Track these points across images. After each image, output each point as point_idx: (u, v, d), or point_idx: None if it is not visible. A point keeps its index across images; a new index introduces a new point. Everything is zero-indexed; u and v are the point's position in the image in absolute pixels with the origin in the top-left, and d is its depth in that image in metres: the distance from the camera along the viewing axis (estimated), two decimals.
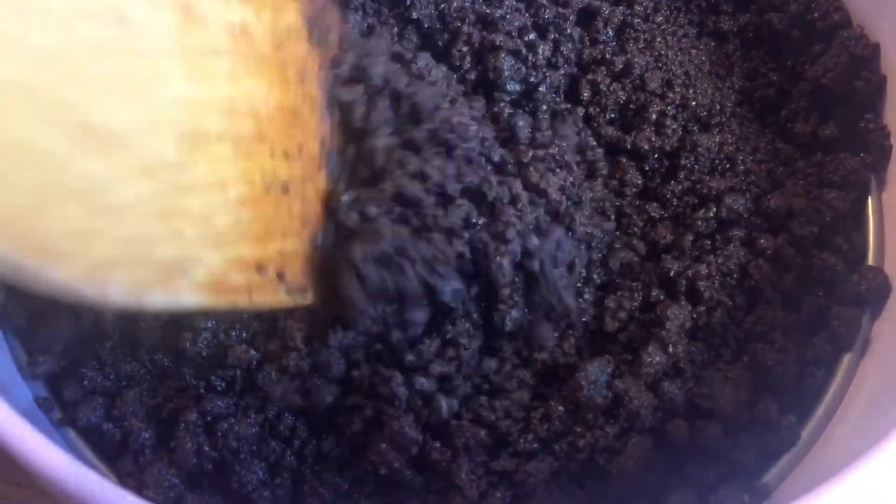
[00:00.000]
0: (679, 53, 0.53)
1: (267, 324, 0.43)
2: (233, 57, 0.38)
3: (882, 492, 0.44)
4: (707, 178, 0.48)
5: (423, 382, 0.41)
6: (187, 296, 0.35)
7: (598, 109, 0.50)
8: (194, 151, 0.35)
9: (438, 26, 0.51)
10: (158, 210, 0.34)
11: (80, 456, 0.41)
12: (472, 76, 0.50)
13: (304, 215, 0.41)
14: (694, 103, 0.51)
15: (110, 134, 0.32)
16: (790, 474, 0.41)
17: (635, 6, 0.54)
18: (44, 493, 0.35)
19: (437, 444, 0.41)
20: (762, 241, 0.46)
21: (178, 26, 0.35)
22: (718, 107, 0.51)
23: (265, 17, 0.40)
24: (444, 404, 0.41)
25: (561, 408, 0.41)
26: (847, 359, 0.43)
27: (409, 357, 0.41)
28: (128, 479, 0.40)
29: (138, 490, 0.39)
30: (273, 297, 0.39)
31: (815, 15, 0.52)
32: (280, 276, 0.39)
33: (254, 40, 0.39)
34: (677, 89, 0.51)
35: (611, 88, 0.51)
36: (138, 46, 0.34)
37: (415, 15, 0.51)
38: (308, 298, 0.41)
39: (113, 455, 0.41)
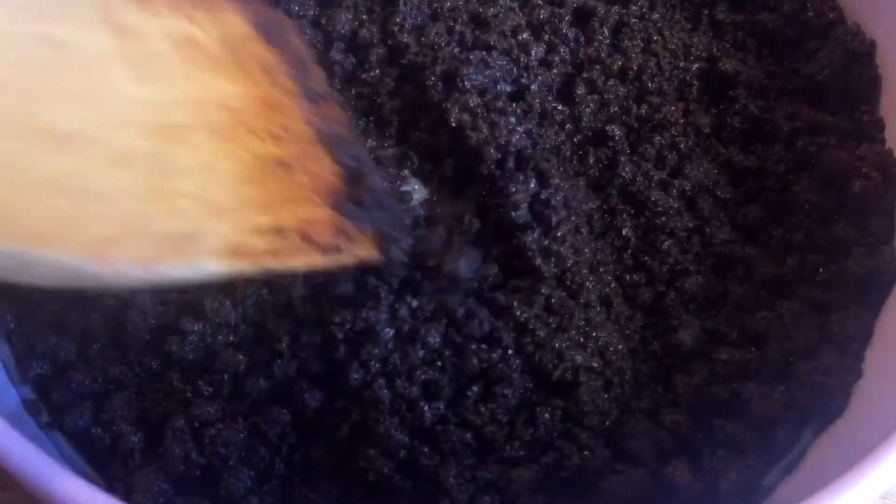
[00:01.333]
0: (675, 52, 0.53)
1: (254, 328, 0.43)
2: (182, 60, 0.41)
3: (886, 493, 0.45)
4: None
5: (405, 386, 0.41)
6: (205, 262, 0.36)
7: (591, 108, 0.50)
8: (168, 141, 0.38)
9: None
10: (147, 193, 0.36)
11: (68, 460, 0.41)
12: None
13: (313, 186, 0.41)
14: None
15: (70, 133, 0.35)
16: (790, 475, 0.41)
17: (631, 6, 0.54)
18: (33, 497, 0.35)
19: (425, 449, 0.41)
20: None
21: (113, 41, 0.39)
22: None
23: (204, 25, 0.43)
24: (428, 411, 0.41)
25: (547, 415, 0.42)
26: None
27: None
28: (116, 484, 0.40)
29: (127, 495, 0.39)
30: (306, 258, 0.39)
31: (810, 14, 0.53)
32: (306, 238, 0.39)
33: (199, 45, 0.42)
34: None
35: (607, 85, 0.51)
36: (78, 61, 0.37)
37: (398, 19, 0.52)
38: (345, 257, 0.41)
39: (101, 459, 0.42)
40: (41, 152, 0.34)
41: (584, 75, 0.51)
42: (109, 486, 0.40)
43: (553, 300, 0.44)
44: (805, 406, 0.41)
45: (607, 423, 0.42)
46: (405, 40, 0.52)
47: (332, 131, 0.44)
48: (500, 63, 0.50)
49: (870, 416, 0.39)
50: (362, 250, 0.41)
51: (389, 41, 0.52)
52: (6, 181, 0.32)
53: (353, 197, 0.42)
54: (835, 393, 0.41)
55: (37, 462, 0.34)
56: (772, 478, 0.41)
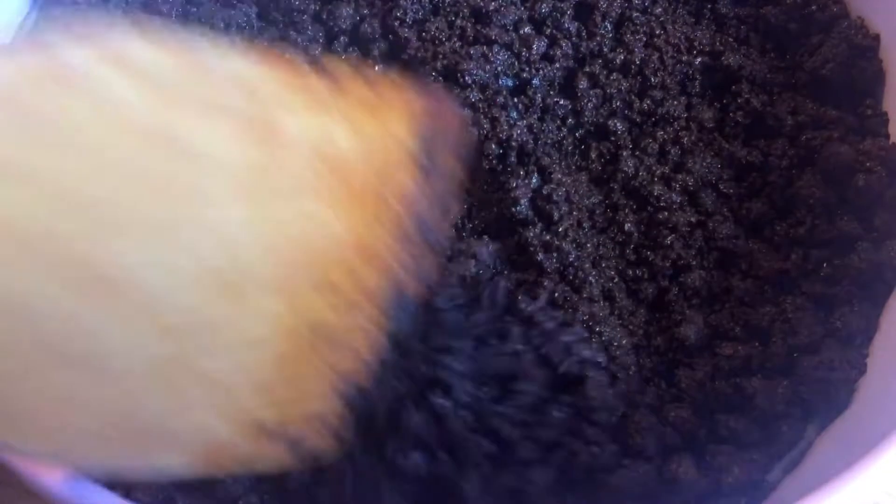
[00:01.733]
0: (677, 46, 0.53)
1: None
2: (312, 191, 0.31)
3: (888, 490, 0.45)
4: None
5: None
6: (172, 467, 0.30)
7: (594, 103, 0.50)
8: (233, 306, 0.29)
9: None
10: (169, 376, 0.29)
11: None
12: None
13: (341, 370, 0.34)
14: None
15: (135, 290, 0.27)
16: (790, 474, 0.41)
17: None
18: (31, 493, 0.35)
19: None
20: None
21: (252, 159, 0.29)
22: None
23: (365, 140, 0.33)
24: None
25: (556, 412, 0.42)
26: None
27: None
28: (116, 480, 0.40)
29: (127, 492, 0.39)
30: (280, 462, 0.33)
31: (814, 8, 0.53)
32: (295, 442, 0.33)
33: (344, 168, 0.32)
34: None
35: (609, 80, 0.51)
36: (197, 186, 0.28)
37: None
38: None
39: None
40: (88, 310, 0.26)
41: (587, 69, 0.51)
42: (110, 483, 0.40)
43: (556, 294, 0.44)
44: (809, 401, 0.41)
45: (613, 418, 0.42)
46: (406, 35, 0.52)
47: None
48: (501, 58, 0.50)
49: (874, 412, 0.39)
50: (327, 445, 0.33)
51: (390, 36, 0.52)
52: (17, 346, 0.26)
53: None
54: (839, 388, 0.41)
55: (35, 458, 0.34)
56: (776, 473, 0.41)
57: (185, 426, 0.30)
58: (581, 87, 0.51)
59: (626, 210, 0.48)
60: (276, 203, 0.30)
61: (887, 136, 0.48)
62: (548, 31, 0.52)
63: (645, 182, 0.48)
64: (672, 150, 0.49)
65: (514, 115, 0.49)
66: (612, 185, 0.48)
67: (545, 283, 0.44)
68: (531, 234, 0.45)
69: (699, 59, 0.52)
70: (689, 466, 0.40)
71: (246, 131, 0.29)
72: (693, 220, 0.47)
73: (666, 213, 0.47)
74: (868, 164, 0.45)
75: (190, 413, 0.29)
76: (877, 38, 0.50)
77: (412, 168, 0.35)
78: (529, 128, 0.49)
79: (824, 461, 0.39)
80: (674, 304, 0.45)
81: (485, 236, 0.47)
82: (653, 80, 0.51)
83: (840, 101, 0.50)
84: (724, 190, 0.48)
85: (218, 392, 0.30)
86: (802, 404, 0.41)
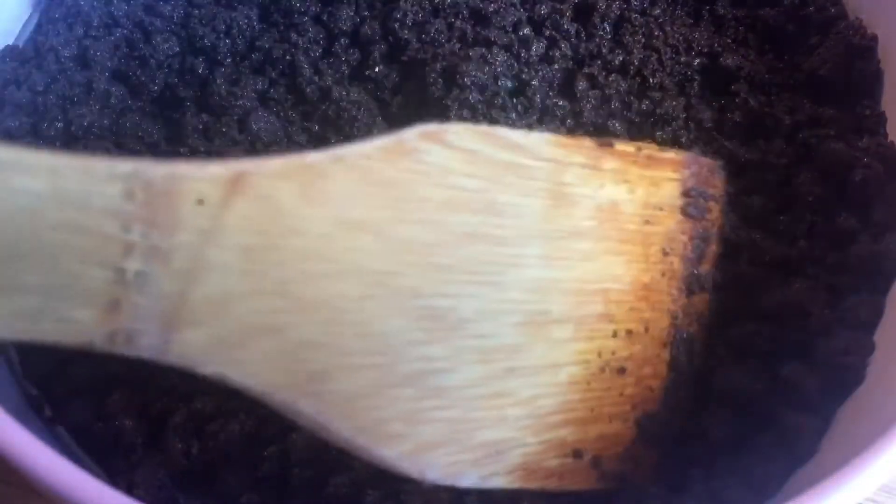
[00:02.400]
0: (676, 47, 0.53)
1: None
2: (594, 237, 0.38)
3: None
4: None
5: None
6: (498, 478, 0.35)
7: (592, 104, 0.51)
8: (533, 334, 0.36)
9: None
10: (486, 393, 0.34)
11: (71, 454, 0.42)
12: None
13: (634, 396, 0.39)
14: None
15: (457, 319, 0.33)
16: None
17: (632, 1, 0.55)
18: (34, 491, 0.35)
19: None
20: None
21: (545, 211, 0.36)
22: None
23: (639, 193, 0.40)
24: None
25: None
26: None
27: None
28: (118, 478, 0.41)
29: (129, 489, 0.40)
30: (584, 482, 0.38)
31: (811, 8, 0.53)
32: (595, 462, 0.38)
33: (620, 218, 0.39)
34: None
35: (608, 81, 0.52)
36: (502, 235, 0.35)
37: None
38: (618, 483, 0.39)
39: (104, 454, 0.42)
40: (424, 338, 0.33)
41: (585, 71, 0.52)
42: (112, 480, 0.41)
43: None
44: (826, 380, 0.41)
45: None
46: (406, 36, 0.52)
47: (687, 328, 0.42)
48: (500, 59, 0.51)
49: (884, 391, 0.40)
50: (640, 478, 0.39)
51: (390, 38, 0.53)
52: (378, 368, 0.32)
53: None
54: (853, 369, 0.41)
55: (39, 455, 0.34)
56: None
57: (505, 439, 0.35)
58: (580, 88, 0.51)
59: None
60: (561, 243, 0.36)
61: (885, 135, 0.48)
62: (547, 33, 0.53)
63: None
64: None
65: (514, 116, 0.50)
66: None
67: None
68: None
69: (697, 60, 0.53)
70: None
71: (543, 195, 0.36)
72: None
73: None
74: (866, 161, 0.46)
75: (506, 426, 0.35)
76: (874, 38, 0.51)
77: (681, 217, 0.41)
78: (529, 129, 0.49)
79: (845, 434, 0.40)
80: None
81: None
82: (651, 81, 0.52)
83: (838, 101, 0.50)
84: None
85: (525, 407, 0.35)
86: (821, 382, 0.41)
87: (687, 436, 0.41)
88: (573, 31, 0.53)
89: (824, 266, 0.44)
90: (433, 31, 0.52)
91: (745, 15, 0.55)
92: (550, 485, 0.37)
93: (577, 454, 0.37)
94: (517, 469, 0.36)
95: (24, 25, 0.57)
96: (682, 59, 0.53)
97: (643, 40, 0.53)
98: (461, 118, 0.48)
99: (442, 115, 0.49)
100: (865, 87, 0.50)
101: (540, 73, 0.51)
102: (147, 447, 0.42)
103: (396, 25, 0.53)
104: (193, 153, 0.47)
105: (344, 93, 0.50)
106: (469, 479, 0.34)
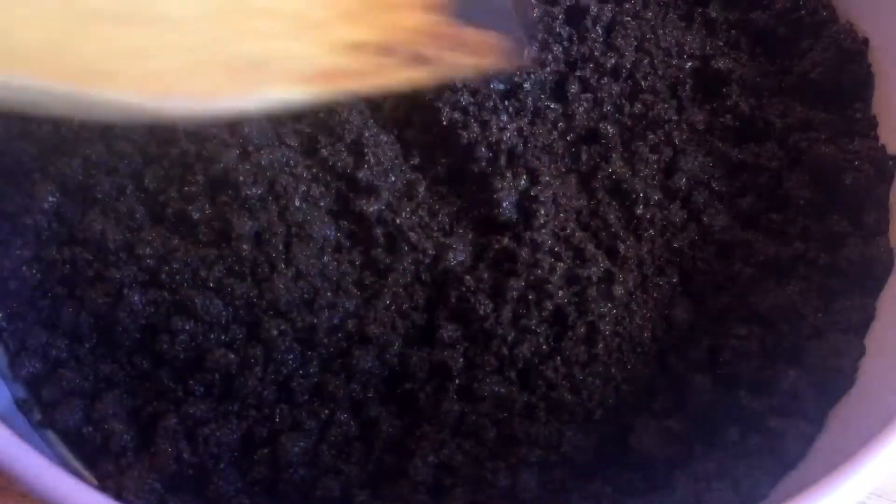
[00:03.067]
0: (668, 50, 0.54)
1: (246, 328, 0.44)
2: None
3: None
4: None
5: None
6: (275, 90, 0.33)
7: (585, 107, 0.51)
8: None
9: None
10: (222, 11, 0.33)
11: (59, 458, 0.42)
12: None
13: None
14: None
15: None
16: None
17: (624, 4, 0.55)
18: (26, 497, 0.35)
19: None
20: None
21: None
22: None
23: None
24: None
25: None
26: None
27: None
28: (108, 482, 0.41)
29: (118, 494, 0.40)
30: (411, 75, 0.37)
31: (803, 12, 0.54)
32: (416, 56, 0.37)
33: None
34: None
35: (600, 84, 0.52)
36: None
37: None
38: (464, 69, 0.39)
39: (93, 457, 0.42)
40: None
41: (578, 73, 0.52)
42: (101, 485, 0.41)
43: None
44: (819, 382, 0.42)
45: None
46: None
47: None
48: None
49: (876, 392, 0.40)
50: (484, 59, 0.38)
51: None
52: (63, 9, 0.30)
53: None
54: (845, 371, 0.42)
55: (27, 460, 0.35)
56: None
57: (273, 55, 0.33)
58: (572, 90, 0.51)
59: (614, 206, 0.49)
60: None
61: (876, 138, 0.49)
62: (539, 36, 0.53)
63: (635, 182, 0.49)
64: (664, 151, 0.50)
65: (505, 118, 0.50)
66: (599, 184, 0.49)
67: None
68: (514, 233, 0.46)
69: (689, 63, 0.53)
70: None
71: None
72: (685, 216, 0.48)
73: (654, 209, 0.48)
74: (856, 164, 0.46)
75: (270, 42, 0.33)
76: (865, 41, 0.52)
77: None
78: (519, 131, 0.49)
79: (834, 439, 0.40)
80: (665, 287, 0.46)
81: (470, 234, 0.48)
82: (643, 84, 0.52)
83: (829, 104, 0.51)
84: (717, 188, 0.49)
85: (281, 17, 0.34)
86: (814, 384, 0.42)
87: (672, 438, 0.42)
88: (565, 34, 0.53)
89: (816, 267, 0.45)
90: None
91: (737, 18, 0.56)
92: (353, 84, 0.36)
93: (386, 51, 0.36)
94: (296, 77, 0.34)
95: None
96: (674, 62, 0.53)
97: (635, 43, 0.53)
98: (453, 120, 0.49)
99: (433, 117, 0.49)
100: (856, 90, 0.51)
101: (532, 75, 0.51)
102: (137, 451, 0.42)
103: None
104: (184, 155, 0.48)
105: None
106: (237, 98, 0.33)
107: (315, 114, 0.50)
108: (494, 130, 0.49)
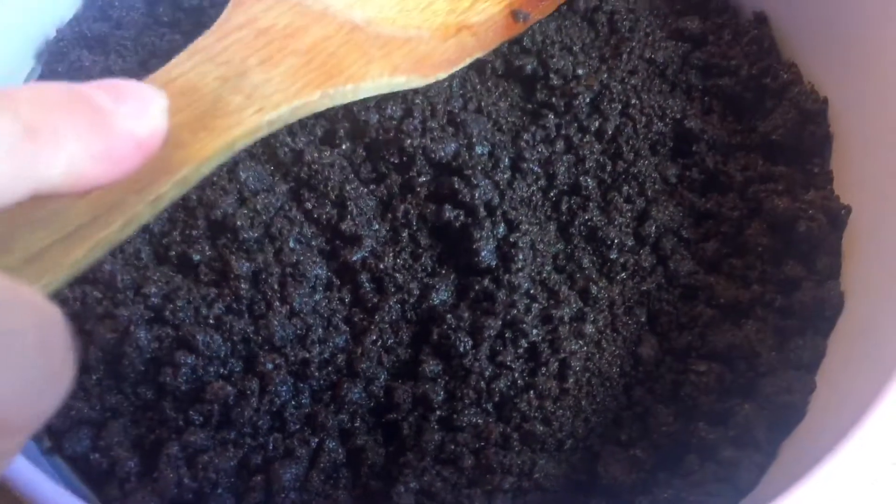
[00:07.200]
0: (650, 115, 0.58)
1: (244, 361, 0.49)
2: None
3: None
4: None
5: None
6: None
7: (566, 166, 0.55)
8: None
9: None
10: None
11: (68, 483, 0.46)
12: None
13: None
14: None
15: None
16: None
17: (616, 71, 0.59)
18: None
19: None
20: None
21: None
22: None
23: None
24: None
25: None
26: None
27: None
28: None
29: None
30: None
31: (768, 80, 0.59)
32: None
33: None
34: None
35: (582, 142, 0.56)
36: None
37: None
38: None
39: (99, 482, 0.46)
40: None
41: (563, 132, 0.56)
42: (103, 498, 0.45)
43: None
44: (770, 416, 0.46)
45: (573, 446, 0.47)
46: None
47: None
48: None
49: (824, 424, 0.44)
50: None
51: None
52: None
53: None
54: (796, 406, 0.46)
55: (43, 486, 0.39)
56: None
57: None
58: (557, 149, 0.55)
59: (590, 252, 0.53)
60: None
61: (831, 191, 0.54)
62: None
63: (610, 231, 0.53)
64: (638, 201, 0.54)
65: (479, 175, 0.53)
66: (575, 230, 0.53)
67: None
68: (492, 277, 0.51)
69: (670, 127, 0.57)
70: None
71: None
72: (654, 261, 0.53)
73: (626, 255, 0.53)
74: (810, 213, 0.51)
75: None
76: (825, 101, 0.56)
77: None
78: (496, 184, 0.53)
79: (785, 468, 0.44)
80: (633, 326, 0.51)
81: (452, 275, 0.52)
82: (625, 148, 0.56)
83: (789, 160, 0.56)
84: (685, 235, 0.54)
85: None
86: (767, 417, 0.46)
87: (637, 465, 0.46)
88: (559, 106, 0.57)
89: (772, 309, 0.50)
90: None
91: (711, 84, 0.60)
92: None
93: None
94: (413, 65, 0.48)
95: (27, 78, 0.62)
96: (656, 125, 0.57)
97: (619, 108, 0.57)
98: (435, 182, 0.54)
99: (410, 187, 0.54)
100: (816, 148, 0.55)
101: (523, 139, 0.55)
102: (141, 476, 0.46)
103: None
104: (186, 200, 0.52)
105: None
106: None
107: (298, 171, 0.54)
108: (475, 183, 0.52)
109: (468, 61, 0.53)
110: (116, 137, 0.32)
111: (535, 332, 0.49)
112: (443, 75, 0.51)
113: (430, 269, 0.52)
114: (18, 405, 0.25)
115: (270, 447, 0.47)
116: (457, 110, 0.56)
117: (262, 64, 0.41)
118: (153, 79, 0.39)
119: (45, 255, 0.31)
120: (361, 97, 0.45)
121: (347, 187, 0.53)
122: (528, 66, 0.58)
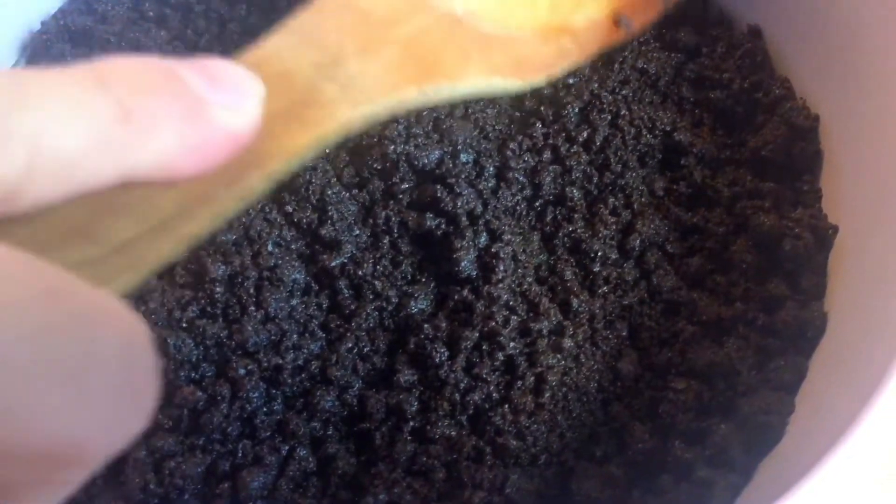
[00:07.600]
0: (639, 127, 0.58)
1: (216, 366, 0.48)
2: None
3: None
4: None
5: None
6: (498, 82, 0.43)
7: (552, 177, 0.55)
8: None
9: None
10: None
11: None
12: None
13: None
14: None
15: None
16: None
17: (607, 81, 0.59)
18: None
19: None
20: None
21: None
22: None
23: None
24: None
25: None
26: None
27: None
28: None
29: None
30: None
31: (760, 94, 0.58)
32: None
33: None
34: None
35: (570, 152, 0.56)
36: None
37: None
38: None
39: None
40: None
41: (550, 142, 0.56)
42: None
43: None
44: (748, 437, 0.45)
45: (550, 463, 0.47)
46: None
47: None
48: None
49: (802, 445, 0.43)
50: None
51: None
52: None
53: None
54: (774, 427, 0.45)
55: None
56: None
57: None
58: (544, 158, 0.55)
59: (573, 264, 0.52)
60: None
61: (819, 209, 0.53)
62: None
63: (590, 239, 0.52)
64: (623, 213, 0.54)
65: (463, 184, 0.53)
66: (559, 241, 0.53)
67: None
68: (472, 287, 0.50)
69: (659, 139, 0.57)
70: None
71: None
72: (637, 275, 0.52)
73: (609, 268, 0.52)
74: (797, 231, 0.50)
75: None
76: (817, 118, 0.55)
77: None
78: (480, 193, 0.53)
79: (761, 491, 0.43)
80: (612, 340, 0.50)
81: (432, 283, 0.52)
82: (612, 160, 0.56)
83: (779, 176, 0.55)
84: (670, 250, 0.53)
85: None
86: (744, 438, 0.45)
87: (611, 482, 0.45)
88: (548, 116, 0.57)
89: (755, 328, 0.49)
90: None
91: (703, 97, 0.60)
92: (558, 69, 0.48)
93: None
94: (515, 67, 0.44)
95: None
96: (645, 137, 0.57)
97: (609, 118, 0.57)
98: (417, 190, 0.53)
99: (392, 193, 0.53)
100: (805, 166, 0.55)
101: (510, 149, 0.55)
102: (107, 480, 0.46)
103: None
104: None
105: None
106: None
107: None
108: (459, 192, 0.52)
109: (566, 68, 0.49)
110: (212, 130, 0.29)
111: (512, 344, 0.48)
112: (540, 80, 0.47)
113: (409, 277, 0.52)
114: (97, 432, 0.23)
115: (240, 454, 0.46)
116: (443, 116, 0.56)
117: (359, 52, 0.38)
118: (246, 58, 0.35)
119: (128, 249, 0.29)
120: (458, 98, 0.42)
121: (329, 191, 0.52)
122: None
